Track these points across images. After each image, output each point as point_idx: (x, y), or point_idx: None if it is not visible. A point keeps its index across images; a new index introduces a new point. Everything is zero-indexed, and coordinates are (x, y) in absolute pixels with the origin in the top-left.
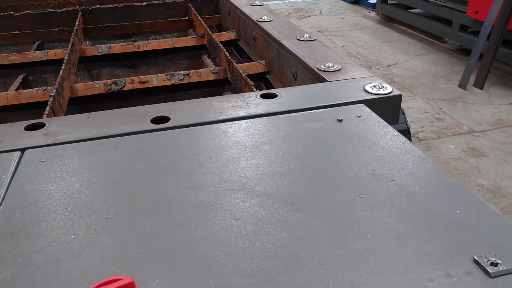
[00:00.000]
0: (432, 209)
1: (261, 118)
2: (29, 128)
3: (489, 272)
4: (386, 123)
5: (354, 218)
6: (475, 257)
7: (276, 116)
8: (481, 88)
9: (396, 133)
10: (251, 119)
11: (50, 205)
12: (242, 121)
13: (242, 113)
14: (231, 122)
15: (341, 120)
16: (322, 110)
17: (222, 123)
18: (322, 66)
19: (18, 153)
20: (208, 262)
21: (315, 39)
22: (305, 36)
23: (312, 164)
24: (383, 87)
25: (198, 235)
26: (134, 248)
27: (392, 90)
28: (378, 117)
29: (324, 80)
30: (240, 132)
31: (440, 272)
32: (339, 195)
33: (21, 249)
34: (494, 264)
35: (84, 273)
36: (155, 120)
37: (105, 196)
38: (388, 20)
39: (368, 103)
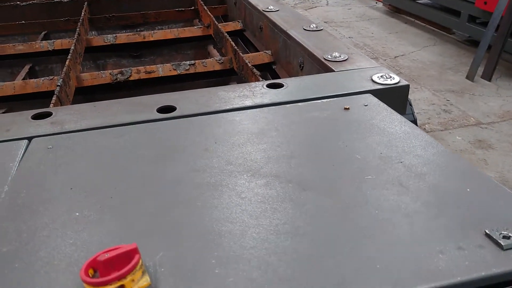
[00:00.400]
0: (441, 188)
1: (267, 107)
2: (36, 117)
3: (501, 244)
4: (393, 111)
5: (361, 196)
6: (487, 231)
7: (283, 105)
8: (489, 80)
9: (404, 119)
10: (257, 109)
11: (55, 186)
12: (248, 111)
13: (248, 102)
14: (237, 112)
15: (347, 109)
16: (328, 100)
17: (228, 113)
18: (329, 56)
19: (25, 141)
20: (213, 236)
21: (321, 29)
22: (311, 26)
23: (318, 149)
24: (391, 77)
25: (203, 212)
26: (138, 223)
27: (400, 80)
28: (385, 105)
29: (331, 70)
30: (246, 121)
31: (451, 245)
32: (346, 176)
33: (26, 225)
34: (507, 237)
35: (88, 246)
36: (161, 110)
37: (110, 178)
38: (395, 11)
39: (375, 93)
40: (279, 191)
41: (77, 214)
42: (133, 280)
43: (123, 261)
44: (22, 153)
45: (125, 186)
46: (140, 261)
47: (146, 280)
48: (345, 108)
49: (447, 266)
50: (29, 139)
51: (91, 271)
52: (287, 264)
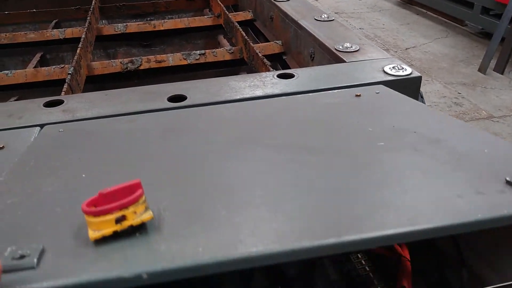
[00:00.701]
0: (458, 150)
1: (278, 98)
2: (48, 104)
3: None
4: (405, 96)
5: (375, 157)
6: (508, 179)
7: (294, 96)
8: (502, 73)
9: (417, 102)
10: (268, 99)
11: (64, 157)
12: (259, 101)
13: (258, 92)
14: (248, 102)
15: (359, 95)
16: (340, 90)
17: (239, 102)
18: (340, 47)
19: (38, 128)
20: (221, 189)
21: (333, 19)
22: (323, 16)
23: (329, 126)
24: (403, 68)
25: (210, 171)
26: (146, 178)
27: (412, 71)
28: (397, 92)
29: (342, 61)
30: (257, 110)
31: (470, 190)
32: (357, 143)
33: (31, 183)
34: None
35: (93, 194)
36: (172, 99)
37: (120, 155)
38: (407, 2)
39: (387, 84)
40: (287, 155)
41: (84, 175)
42: (135, 212)
43: (126, 194)
44: (34, 139)
45: (133, 154)
46: (144, 197)
47: (149, 214)
48: (357, 95)
49: (466, 207)
50: (41, 126)
51: (93, 207)
52: (299, 206)
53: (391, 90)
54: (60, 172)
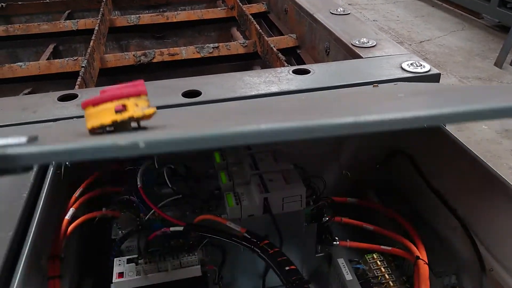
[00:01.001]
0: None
1: (294, 94)
2: (62, 98)
3: None
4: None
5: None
6: None
7: (310, 93)
8: None
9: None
10: (284, 96)
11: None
12: (274, 97)
13: (274, 88)
14: (263, 98)
15: (376, 85)
16: (357, 87)
17: (254, 99)
18: (357, 42)
19: (52, 123)
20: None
21: (349, 13)
22: (338, 10)
23: (344, 102)
24: (421, 65)
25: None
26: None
27: (430, 68)
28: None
29: (359, 57)
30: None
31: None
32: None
33: None
34: None
35: None
36: (186, 94)
37: None
38: None
39: (405, 81)
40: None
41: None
42: (137, 105)
43: (128, 90)
44: None
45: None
46: (147, 96)
47: (153, 109)
48: (374, 85)
49: None
50: (55, 121)
51: None
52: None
53: (411, 83)
54: None
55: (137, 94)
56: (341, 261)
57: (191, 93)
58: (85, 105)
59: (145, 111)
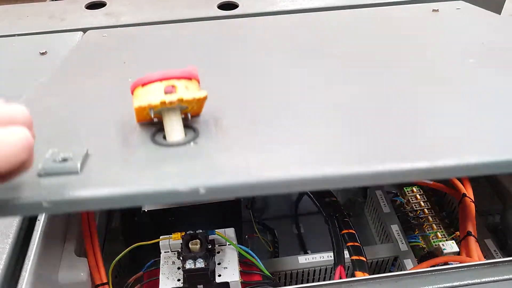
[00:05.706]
0: None
1: (343, 10)
2: (90, 6)
3: None
4: (491, 12)
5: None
6: None
7: (362, 9)
8: None
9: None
10: (330, 11)
11: (110, 62)
12: (321, 13)
13: (319, 3)
14: (307, 13)
15: (436, 10)
16: (416, 4)
17: (297, 14)
18: None
19: (80, 33)
20: (284, 105)
21: None
22: None
23: (404, 41)
24: None
25: (272, 83)
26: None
27: None
28: (481, 8)
29: None
30: (317, 22)
31: None
32: (441, 60)
33: (75, 85)
34: None
35: None
36: (223, 6)
37: (170, 57)
38: None
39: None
40: (361, 70)
41: (130, 80)
42: (187, 87)
43: (180, 72)
44: (77, 44)
45: (178, 60)
46: (199, 82)
47: (204, 93)
48: (434, 10)
49: None
50: (84, 31)
51: None
52: (370, 128)
53: (474, 6)
54: (105, 74)
55: (189, 78)
56: (379, 193)
57: (228, 5)
58: (135, 85)
59: (196, 95)
